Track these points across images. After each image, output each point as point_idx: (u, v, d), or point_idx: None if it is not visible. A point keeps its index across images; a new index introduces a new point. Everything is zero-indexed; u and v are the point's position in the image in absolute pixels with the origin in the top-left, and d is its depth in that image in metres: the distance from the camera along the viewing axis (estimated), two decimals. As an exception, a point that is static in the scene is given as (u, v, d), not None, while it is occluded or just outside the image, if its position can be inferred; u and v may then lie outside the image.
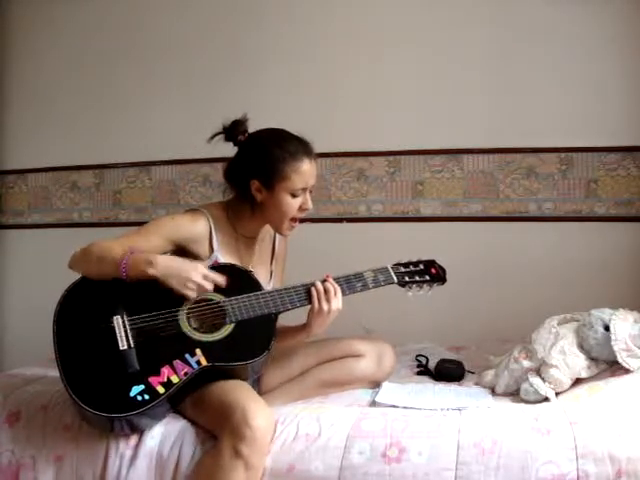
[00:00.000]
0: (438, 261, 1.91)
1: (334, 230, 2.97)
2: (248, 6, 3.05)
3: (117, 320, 1.61)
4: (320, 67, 2.97)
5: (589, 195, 2.76)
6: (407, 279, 1.83)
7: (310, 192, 1.81)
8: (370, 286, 1.78)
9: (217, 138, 1.83)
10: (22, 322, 3.35)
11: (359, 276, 1.78)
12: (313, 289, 1.72)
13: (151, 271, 1.58)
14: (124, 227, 2.94)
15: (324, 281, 1.74)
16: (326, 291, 1.71)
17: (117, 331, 1.60)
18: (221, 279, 1.64)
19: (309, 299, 1.72)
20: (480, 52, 2.83)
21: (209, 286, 1.62)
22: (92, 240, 1.70)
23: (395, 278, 1.81)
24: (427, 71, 2.88)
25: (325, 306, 1.70)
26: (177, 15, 3.14)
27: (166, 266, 1.60)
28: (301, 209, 1.80)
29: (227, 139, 1.83)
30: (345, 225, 2.98)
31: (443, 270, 1.89)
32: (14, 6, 3.37)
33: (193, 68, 3.11)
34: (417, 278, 1.84)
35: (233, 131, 1.81)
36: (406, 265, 1.86)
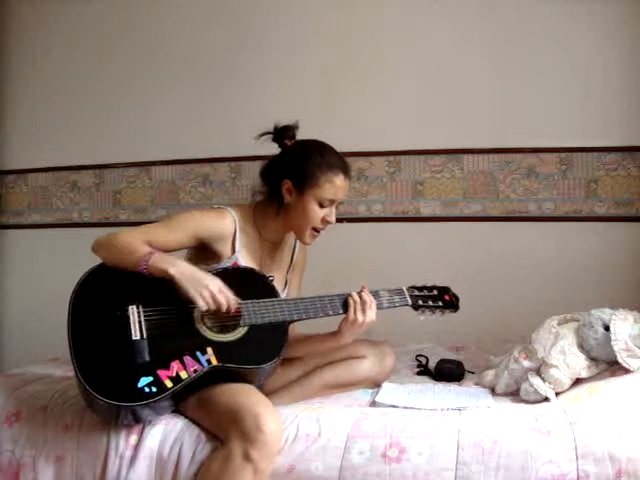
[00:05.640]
0: (452, 289, 1.93)
1: (334, 230, 2.96)
2: (247, 5, 3.05)
3: (132, 310, 1.61)
4: (320, 67, 2.97)
5: (589, 195, 2.76)
6: (421, 303, 1.85)
7: (336, 207, 1.83)
8: (384, 306, 1.80)
9: (264, 138, 1.85)
10: (22, 322, 3.35)
11: (375, 295, 1.79)
12: (350, 299, 1.74)
13: (172, 270, 1.58)
14: (124, 227, 2.93)
15: (360, 292, 1.76)
16: (363, 302, 1.73)
17: (131, 320, 1.59)
18: (233, 301, 1.63)
19: (326, 311, 1.73)
20: (480, 52, 2.83)
21: (223, 300, 1.60)
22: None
23: (410, 301, 1.84)
24: (427, 71, 2.88)
25: (360, 317, 1.73)
26: (177, 15, 3.14)
27: (186, 269, 1.60)
28: (324, 221, 1.82)
29: (274, 140, 1.85)
30: (345, 225, 2.98)
31: (457, 298, 1.91)
32: (14, 6, 3.37)
33: (193, 68, 3.11)
34: (430, 303, 1.86)
35: (282, 133, 1.84)
36: (420, 289, 1.88)
